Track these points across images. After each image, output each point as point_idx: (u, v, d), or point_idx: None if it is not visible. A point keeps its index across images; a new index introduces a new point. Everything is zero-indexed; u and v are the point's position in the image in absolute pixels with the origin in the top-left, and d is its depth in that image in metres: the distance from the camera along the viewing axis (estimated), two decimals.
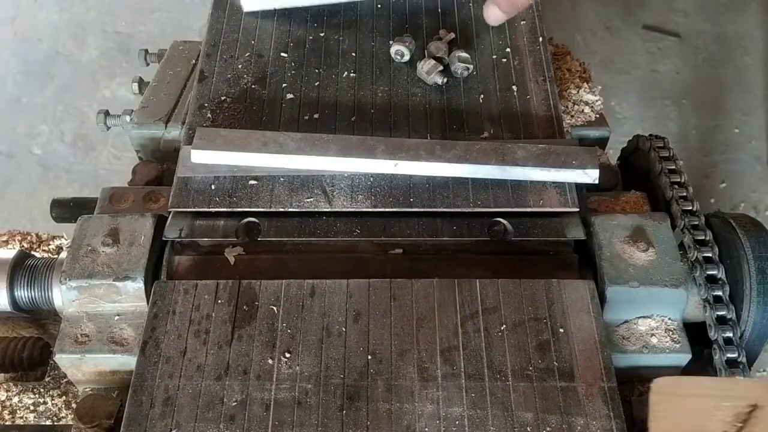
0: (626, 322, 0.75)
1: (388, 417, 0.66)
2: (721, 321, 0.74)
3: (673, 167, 0.85)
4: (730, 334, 0.73)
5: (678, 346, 0.73)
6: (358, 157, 0.80)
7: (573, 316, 0.72)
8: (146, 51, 1.13)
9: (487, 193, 0.79)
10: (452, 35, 0.95)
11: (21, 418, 0.79)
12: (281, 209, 0.79)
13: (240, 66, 0.93)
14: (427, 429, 0.65)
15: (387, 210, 0.79)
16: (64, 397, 0.80)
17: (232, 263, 0.78)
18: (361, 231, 0.78)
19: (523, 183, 0.80)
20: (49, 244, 0.95)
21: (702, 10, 2.48)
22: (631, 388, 0.73)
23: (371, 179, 0.81)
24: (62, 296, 0.76)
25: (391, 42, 0.94)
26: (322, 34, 0.97)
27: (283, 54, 0.95)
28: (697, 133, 2.19)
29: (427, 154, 0.80)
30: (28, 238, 0.95)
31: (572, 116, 0.95)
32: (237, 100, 0.89)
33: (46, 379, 0.81)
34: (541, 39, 0.96)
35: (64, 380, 0.80)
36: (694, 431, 0.56)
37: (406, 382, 0.68)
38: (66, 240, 0.94)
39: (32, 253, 0.90)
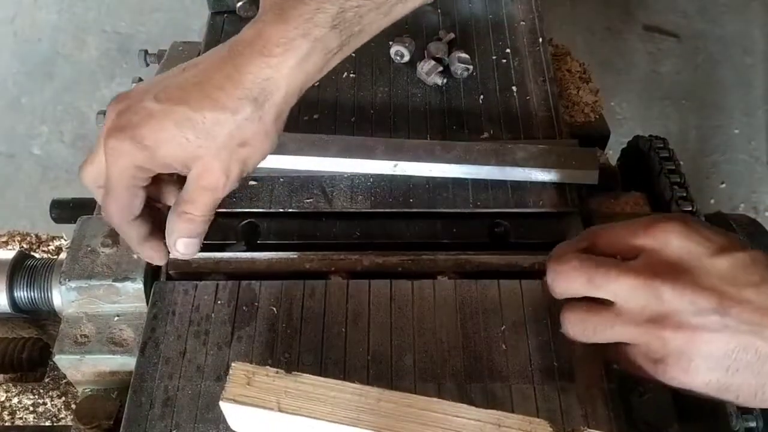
0: None
1: None
2: None
3: (673, 167, 0.85)
4: None
5: None
6: (357, 158, 0.80)
7: None
8: (146, 51, 1.13)
9: (486, 194, 0.79)
10: (452, 36, 0.95)
11: (20, 419, 0.79)
12: (281, 210, 0.79)
13: None
14: None
15: (387, 211, 0.79)
16: (63, 398, 0.80)
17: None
18: (361, 233, 0.78)
19: (523, 184, 0.80)
20: (49, 245, 0.95)
21: (702, 11, 2.48)
22: (631, 389, 0.73)
23: (371, 180, 0.81)
24: (62, 297, 0.76)
25: (390, 42, 0.94)
26: None
27: None
28: (697, 133, 2.19)
29: (426, 155, 0.80)
30: (28, 238, 0.95)
31: (572, 117, 0.95)
32: None
33: (46, 380, 0.81)
34: (540, 39, 0.96)
35: (64, 381, 0.80)
36: None
37: (405, 383, 0.67)
38: (66, 241, 0.94)
39: (32, 253, 0.89)
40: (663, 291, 0.52)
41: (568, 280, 0.58)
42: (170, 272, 0.77)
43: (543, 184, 0.80)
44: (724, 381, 0.53)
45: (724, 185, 2.08)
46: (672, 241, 0.53)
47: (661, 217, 0.55)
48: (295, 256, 0.77)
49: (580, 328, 0.58)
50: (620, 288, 0.54)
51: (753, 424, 0.69)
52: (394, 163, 0.80)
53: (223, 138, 0.55)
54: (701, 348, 0.52)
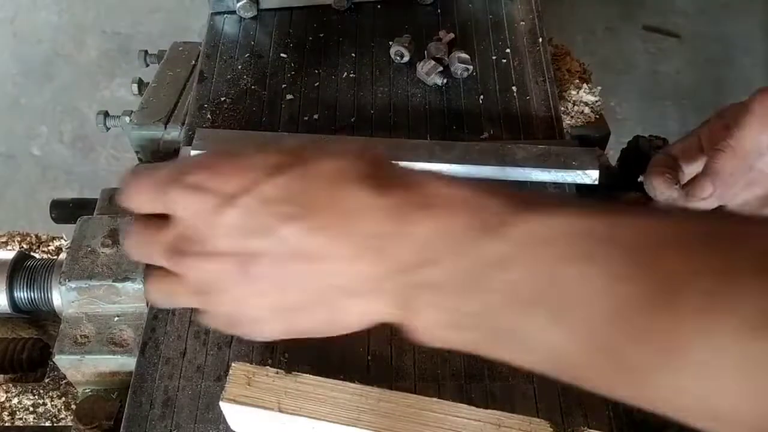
0: None
1: None
2: None
3: None
4: None
5: None
6: None
7: None
8: (146, 52, 1.13)
9: None
10: (452, 36, 0.95)
11: (20, 419, 0.79)
12: None
13: (239, 67, 0.93)
14: None
15: None
16: (63, 398, 0.80)
17: None
18: None
19: (523, 184, 0.80)
20: (49, 245, 0.95)
21: (702, 11, 2.48)
22: None
23: None
24: (62, 297, 0.76)
25: (390, 42, 0.94)
26: (321, 35, 0.97)
27: (282, 55, 0.95)
28: None
29: (426, 155, 0.80)
30: (28, 239, 0.95)
31: (572, 117, 0.94)
32: (237, 101, 0.89)
33: (46, 381, 0.81)
34: (540, 39, 0.96)
35: (64, 381, 0.80)
36: None
37: (406, 383, 0.67)
38: (65, 241, 0.94)
39: (32, 254, 0.89)
40: (186, 266, 0.46)
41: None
42: None
43: (543, 184, 0.80)
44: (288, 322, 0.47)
45: None
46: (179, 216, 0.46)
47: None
48: None
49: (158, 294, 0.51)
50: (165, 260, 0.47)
51: None
52: None
53: None
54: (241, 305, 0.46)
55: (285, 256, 0.43)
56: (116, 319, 0.75)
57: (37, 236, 0.95)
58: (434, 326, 0.42)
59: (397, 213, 0.41)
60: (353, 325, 0.46)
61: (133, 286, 0.75)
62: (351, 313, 0.45)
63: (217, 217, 0.43)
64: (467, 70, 0.91)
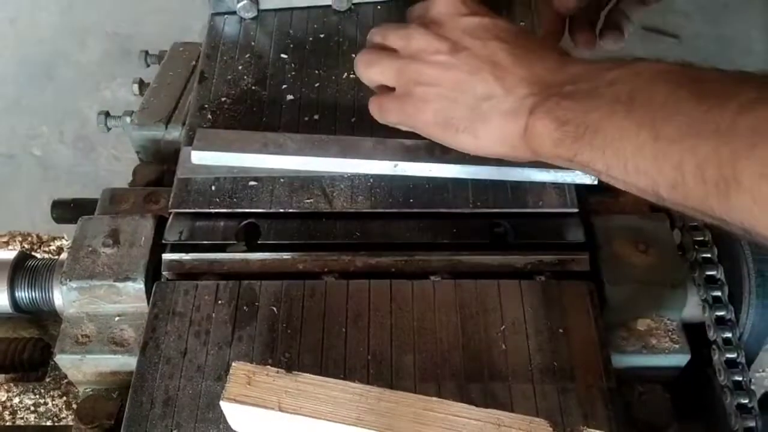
0: (625, 322, 0.75)
1: None
2: (720, 321, 0.74)
3: None
4: (729, 335, 0.73)
5: (677, 346, 0.73)
6: (358, 158, 0.80)
7: (572, 316, 0.72)
8: (146, 52, 1.13)
9: (486, 194, 0.79)
10: None
11: (22, 418, 0.79)
12: (281, 210, 0.79)
13: (240, 67, 0.94)
14: None
15: (387, 211, 0.79)
16: (64, 398, 0.81)
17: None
18: (361, 233, 0.78)
19: (523, 184, 0.80)
20: (50, 245, 0.95)
21: (702, 11, 2.48)
22: (630, 389, 0.73)
23: (371, 180, 0.81)
24: (63, 297, 0.76)
25: None
26: (322, 35, 0.97)
27: (283, 55, 0.95)
28: None
29: (426, 155, 0.80)
30: (29, 239, 0.95)
31: None
32: (237, 102, 0.90)
33: (47, 380, 0.82)
34: None
35: (65, 381, 0.81)
36: None
37: (406, 383, 0.68)
38: (66, 241, 0.95)
39: (33, 253, 0.90)
40: (413, 34, 0.71)
41: (371, 35, 0.79)
42: (164, 273, 0.77)
43: (542, 184, 0.80)
44: (446, 111, 0.68)
45: None
46: (438, 3, 0.72)
47: None
48: (288, 257, 0.77)
49: (364, 62, 0.77)
50: (393, 34, 0.74)
51: (752, 424, 0.69)
52: (394, 163, 0.80)
53: None
54: (430, 78, 0.69)
55: (482, 57, 0.66)
56: (117, 318, 0.76)
57: (38, 236, 0.96)
58: (549, 130, 0.61)
59: (563, 60, 0.66)
60: (488, 137, 0.68)
61: (134, 286, 0.75)
62: (492, 123, 0.66)
63: (461, 17, 0.70)
64: None
